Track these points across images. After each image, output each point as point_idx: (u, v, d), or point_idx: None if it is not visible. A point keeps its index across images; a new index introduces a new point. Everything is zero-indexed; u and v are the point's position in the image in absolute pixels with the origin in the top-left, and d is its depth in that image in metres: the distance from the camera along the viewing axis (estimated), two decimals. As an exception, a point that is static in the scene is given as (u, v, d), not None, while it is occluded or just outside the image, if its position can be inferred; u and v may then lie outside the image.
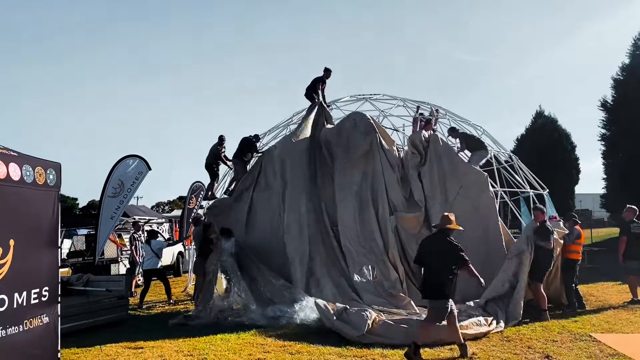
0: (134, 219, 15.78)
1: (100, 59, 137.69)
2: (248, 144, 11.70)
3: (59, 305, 5.56)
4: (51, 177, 5.58)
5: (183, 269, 17.15)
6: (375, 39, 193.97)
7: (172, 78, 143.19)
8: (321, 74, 12.32)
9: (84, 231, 15.59)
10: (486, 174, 10.27)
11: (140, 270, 13.22)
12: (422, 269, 6.40)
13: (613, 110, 23.23)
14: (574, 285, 8.89)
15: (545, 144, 26.66)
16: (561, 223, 9.26)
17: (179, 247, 17.05)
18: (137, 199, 50.00)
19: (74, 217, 23.45)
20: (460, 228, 6.52)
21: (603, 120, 24.04)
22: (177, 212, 27.83)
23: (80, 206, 59.98)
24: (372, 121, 11.05)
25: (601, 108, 24.09)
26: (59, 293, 5.61)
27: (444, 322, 6.07)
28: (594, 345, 6.28)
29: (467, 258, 6.14)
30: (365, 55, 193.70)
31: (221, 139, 12.30)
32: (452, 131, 11.54)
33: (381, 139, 10.90)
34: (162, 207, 63.75)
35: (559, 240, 8.60)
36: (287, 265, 9.73)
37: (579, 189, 29.69)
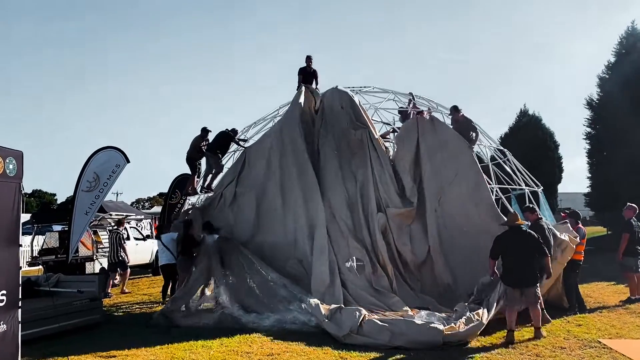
0: (110, 215, 15.05)
1: (90, 55, 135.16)
2: (225, 139, 11.21)
3: (20, 310, 4.97)
4: (11, 166, 4.97)
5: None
6: (368, 39, 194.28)
7: (159, 73, 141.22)
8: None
9: (59, 227, 14.81)
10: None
11: (118, 269, 12.56)
12: (503, 261, 6.88)
13: (598, 109, 23.12)
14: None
15: (529, 143, 26.47)
16: (569, 224, 8.81)
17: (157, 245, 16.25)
18: (117, 195, 49.01)
19: (49, 213, 22.49)
20: (526, 222, 7.52)
21: (588, 119, 23.90)
22: (157, 209, 27.07)
23: (58, 202, 58.62)
24: (353, 99, 10.74)
25: (587, 106, 23.96)
26: (20, 297, 5.01)
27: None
28: (606, 352, 5.87)
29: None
30: (359, 54, 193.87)
31: (204, 132, 11.65)
32: (456, 110, 10.58)
33: (372, 132, 10.49)
34: (142, 203, 62.72)
35: (569, 243, 8.05)
36: (274, 263, 9.21)
37: (561, 188, 29.70)
